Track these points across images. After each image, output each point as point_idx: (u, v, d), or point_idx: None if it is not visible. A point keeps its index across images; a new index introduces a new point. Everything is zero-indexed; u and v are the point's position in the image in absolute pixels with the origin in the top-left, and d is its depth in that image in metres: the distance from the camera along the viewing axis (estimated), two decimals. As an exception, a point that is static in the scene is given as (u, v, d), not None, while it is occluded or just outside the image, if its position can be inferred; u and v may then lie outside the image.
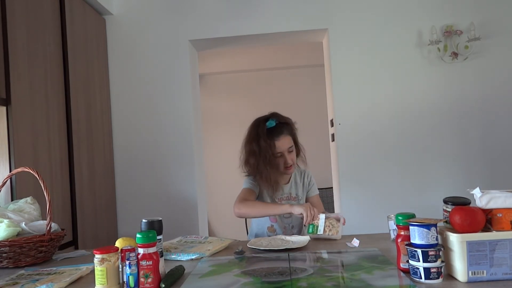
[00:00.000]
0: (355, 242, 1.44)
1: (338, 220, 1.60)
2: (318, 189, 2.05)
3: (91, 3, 2.66)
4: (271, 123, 1.86)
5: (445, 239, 1.01)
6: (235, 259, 1.33)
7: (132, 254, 1.02)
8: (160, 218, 1.17)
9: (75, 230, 2.32)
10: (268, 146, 1.82)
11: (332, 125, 2.97)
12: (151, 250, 1.04)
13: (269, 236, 1.81)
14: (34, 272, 1.29)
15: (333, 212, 3.06)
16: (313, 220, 1.60)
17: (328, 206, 3.80)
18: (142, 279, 1.02)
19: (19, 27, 1.96)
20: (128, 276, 1.01)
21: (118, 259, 1.05)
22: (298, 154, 1.95)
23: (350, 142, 2.79)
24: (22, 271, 1.32)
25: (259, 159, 1.83)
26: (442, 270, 0.98)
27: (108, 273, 1.03)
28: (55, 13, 2.28)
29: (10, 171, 1.83)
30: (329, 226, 1.57)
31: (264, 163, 1.83)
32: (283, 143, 1.84)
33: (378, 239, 1.51)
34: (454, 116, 2.74)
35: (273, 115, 1.90)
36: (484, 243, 0.96)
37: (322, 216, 1.59)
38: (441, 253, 0.98)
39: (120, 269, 1.05)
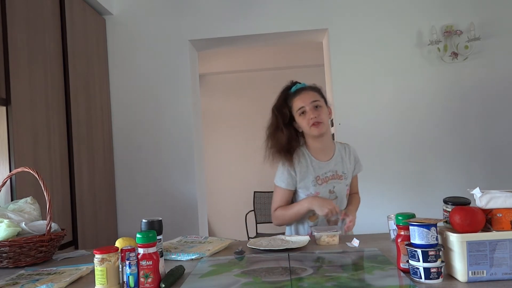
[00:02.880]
0: (355, 242, 1.44)
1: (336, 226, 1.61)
2: None
3: (91, 3, 2.66)
4: (297, 86, 1.72)
5: (445, 239, 1.01)
6: (235, 259, 1.33)
7: (132, 254, 1.02)
8: (160, 218, 1.17)
9: (75, 230, 2.32)
10: (280, 113, 1.68)
11: (332, 125, 2.97)
12: (151, 250, 1.04)
13: (311, 226, 1.70)
14: (34, 272, 1.29)
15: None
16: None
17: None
18: (142, 279, 1.02)
19: (19, 27, 1.96)
20: (128, 276, 1.01)
21: (118, 259, 1.05)
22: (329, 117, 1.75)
23: (350, 142, 2.77)
24: (22, 271, 1.32)
25: (272, 128, 1.71)
26: (442, 270, 0.98)
27: (108, 273, 1.03)
28: (55, 13, 2.28)
29: (10, 171, 1.83)
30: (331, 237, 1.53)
31: (275, 131, 1.69)
32: (305, 96, 1.66)
33: (378, 239, 1.51)
34: (454, 116, 2.74)
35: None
36: (484, 243, 0.96)
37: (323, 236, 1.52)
38: (441, 253, 0.98)
39: (120, 269, 1.05)
